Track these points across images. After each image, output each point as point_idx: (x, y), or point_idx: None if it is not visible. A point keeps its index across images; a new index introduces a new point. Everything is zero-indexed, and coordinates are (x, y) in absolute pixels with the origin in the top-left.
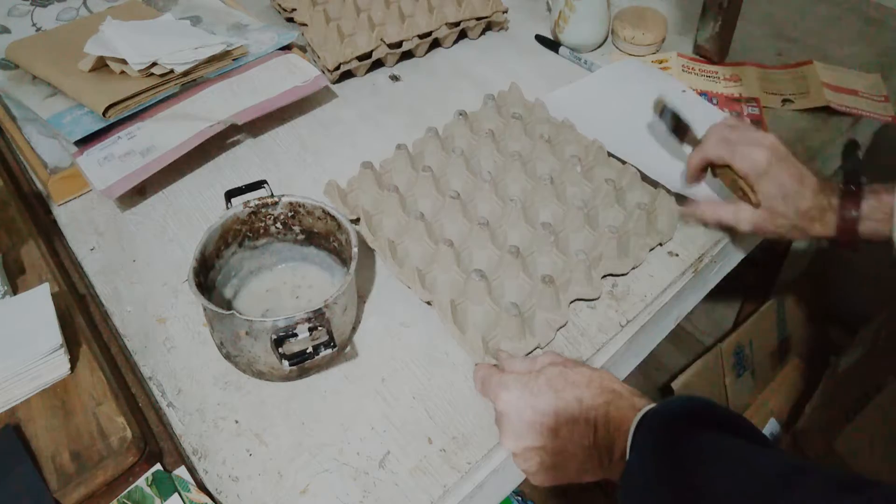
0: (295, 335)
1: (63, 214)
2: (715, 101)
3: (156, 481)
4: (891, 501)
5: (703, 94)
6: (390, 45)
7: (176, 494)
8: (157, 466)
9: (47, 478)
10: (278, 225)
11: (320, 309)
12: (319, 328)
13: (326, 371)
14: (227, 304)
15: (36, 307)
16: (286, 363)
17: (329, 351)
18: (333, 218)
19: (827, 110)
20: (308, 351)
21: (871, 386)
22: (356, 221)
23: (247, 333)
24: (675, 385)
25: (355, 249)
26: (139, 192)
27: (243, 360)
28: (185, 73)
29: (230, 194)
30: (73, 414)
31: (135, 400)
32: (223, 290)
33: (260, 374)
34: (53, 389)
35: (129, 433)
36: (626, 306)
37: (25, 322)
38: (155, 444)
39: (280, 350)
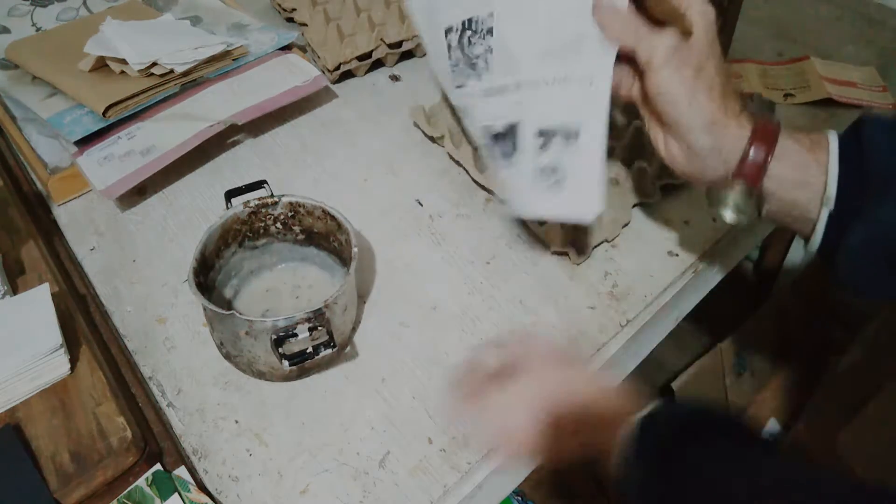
0: (295, 335)
1: (63, 214)
2: None
3: (156, 481)
4: None
5: None
6: (390, 45)
7: (176, 494)
8: (157, 466)
9: (47, 478)
10: (278, 225)
11: (320, 309)
12: (319, 328)
13: (326, 371)
14: (228, 304)
15: (36, 307)
16: (286, 363)
17: (329, 351)
18: (333, 218)
19: (828, 104)
20: (308, 351)
21: (871, 386)
22: (440, 139)
23: (247, 333)
24: (675, 385)
25: (355, 249)
26: (139, 192)
27: (243, 360)
28: (185, 73)
29: (230, 194)
30: (73, 414)
31: (135, 400)
32: (223, 290)
33: (260, 374)
34: (53, 389)
35: (129, 433)
36: (626, 306)
37: (25, 322)
38: (155, 444)
39: (280, 350)
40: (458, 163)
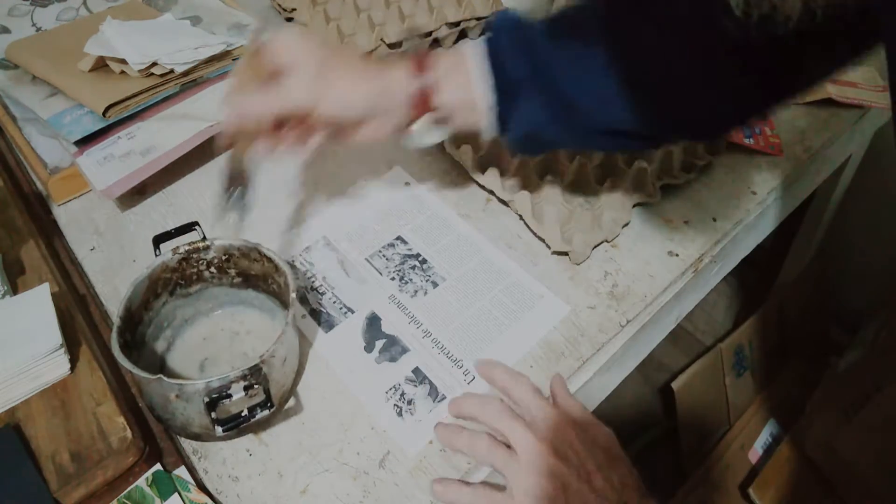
0: (230, 396)
1: (63, 214)
2: None
3: (156, 481)
4: None
5: None
6: (390, 45)
7: (176, 494)
8: (157, 466)
9: (47, 478)
10: (212, 269)
11: (256, 365)
12: (255, 386)
13: (326, 371)
14: (160, 360)
15: (36, 307)
16: (219, 429)
17: (266, 412)
18: (270, 260)
19: (828, 104)
20: (243, 413)
21: (871, 386)
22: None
23: (177, 397)
24: (675, 385)
25: (293, 294)
26: (139, 192)
27: (176, 424)
28: (185, 73)
29: (158, 239)
30: (73, 414)
31: (135, 400)
32: (154, 344)
33: (196, 437)
34: (53, 389)
35: (129, 433)
36: (626, 306)
37: (25, 322)
38: (155, 444)
39: (213, 414)
40: (458, 163)
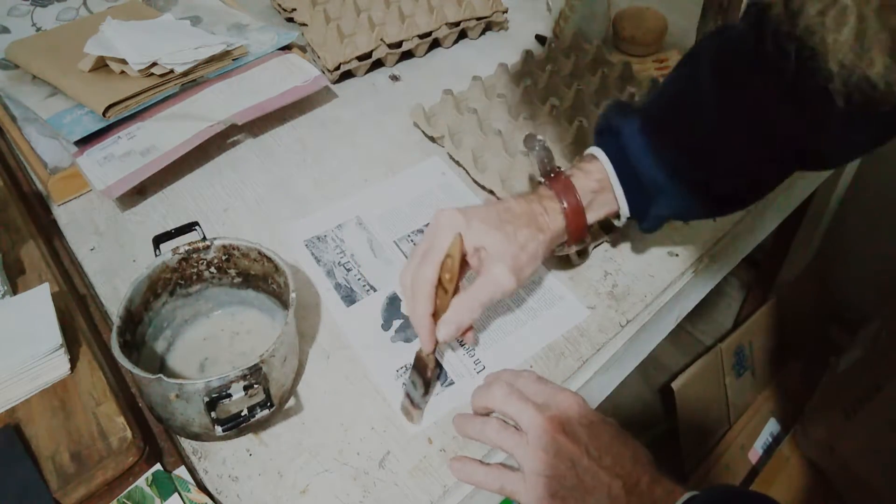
0: (230, 395)
1: (63, 214)
2: None
3: (156, 481)
4: None
5: None
6: (390, 45)
7: (176, 494)
8: (157, 466)
9: (47, 478)
10: (212, 269)
11: (256, 365)
12: (255, 386)
13: (326, 371)
14: (160, 360)
15: (36, 307)
16: (219, 428)
17: (266, 412)
18: (270, 259)
19: None
20: (243, 413)
21: (871, 386)
22: (440, 139)
23: (177, 396)
24: (675, 385)
25: (293, 294)
26: (139, 192)
27: (177, 424)
28: (185, 73)
29: (158, 240)
30: (73, 414)
31: (135, 400)
32: (154, 344)
33: (196, 437)
34: (53, 389)
35: (129, 433)
36: (626, 306)
37: (25, 322)
38: (155, 444)
39: (213, 414)
40: (458, 163)
